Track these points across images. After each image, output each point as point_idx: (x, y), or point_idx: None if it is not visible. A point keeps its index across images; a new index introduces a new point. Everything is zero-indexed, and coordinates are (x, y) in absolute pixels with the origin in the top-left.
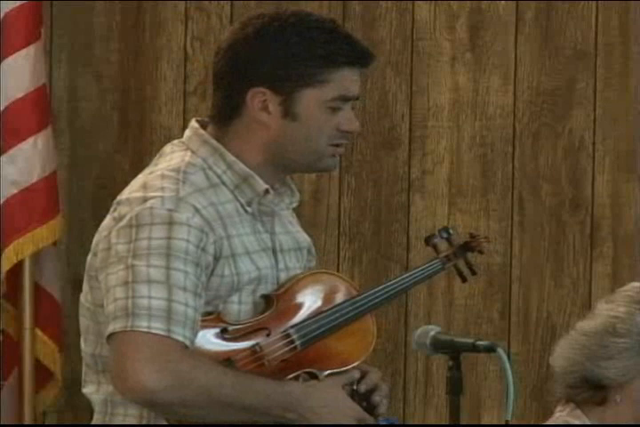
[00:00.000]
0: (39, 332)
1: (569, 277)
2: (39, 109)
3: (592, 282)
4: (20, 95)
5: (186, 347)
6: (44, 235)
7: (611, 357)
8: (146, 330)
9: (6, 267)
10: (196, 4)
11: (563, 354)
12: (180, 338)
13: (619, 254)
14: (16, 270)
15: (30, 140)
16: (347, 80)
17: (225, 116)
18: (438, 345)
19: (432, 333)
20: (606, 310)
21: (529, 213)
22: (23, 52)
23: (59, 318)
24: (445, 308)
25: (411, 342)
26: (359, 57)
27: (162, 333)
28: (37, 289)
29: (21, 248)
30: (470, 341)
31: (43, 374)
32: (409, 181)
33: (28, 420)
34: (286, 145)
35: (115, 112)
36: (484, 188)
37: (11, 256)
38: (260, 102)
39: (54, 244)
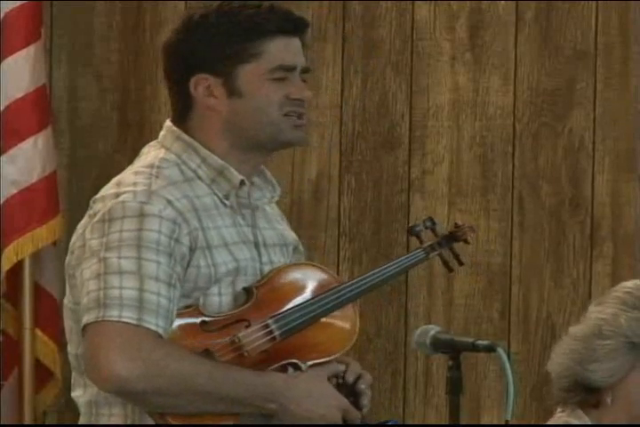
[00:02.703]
0: (39, 332)
1: (569, 277)
2: (39, 109)
3: (592, 282)
4: (19, 95)
5: (159, 336)
6: (43, 235)
7: (597, 359)
8: (117, 319)
9: (6, 267)
10: (196, 4)
11: (556, 360)
12: (153, 327)
13: (619, 254)
14: (16, 270)
15: (30, 140)
16: (280, 50)
17: (181, 112)
18: (438, 345)
19: (432, 332)
20: (595, 312)
21: (529, 213)
22: (23, 52)
23: (59, 318)
24: (445, 308)
25: (411, 342)
26: (288, 24)
27: (133, 322)
28: (37, 289)
29: (21, 248)
30: (470, 340)
31: (43, 374)
32: (409, 181)
33: (28, 420)
34: (241, 123)
35: (115, 112)
36: (484, 188)
37: (11, 256)
38: (205, 88)
39: (54, 244)
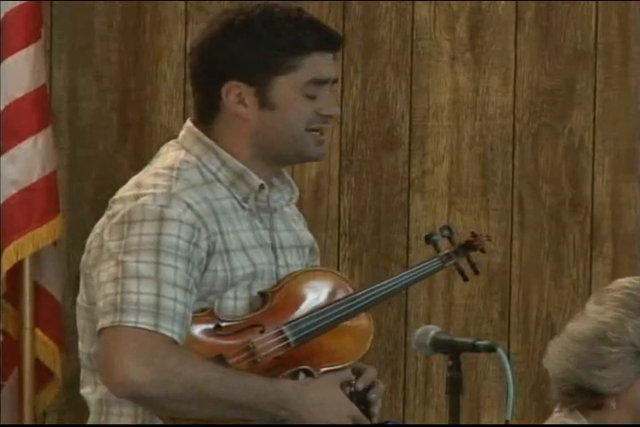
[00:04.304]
0: (39, 332)
1: (569, 278)
2: (39, 109)
3: (592, 282)
4: (19, 95)
5: (174, 342)
6: (43, 235)
7: (605, 366)
8: (133, 325)
9: (6, 267)
10: (196, 4)
11: (554, 360)
12: (168, 333)
13: (619, 254)
14: (16, 270)
15: (30, 140)
16: (317, 64)
17: (206, 115)
18: (438, 345)
19: (432, 333)
20: (595, 313)
21: (529, 213)
22: (23, 52)
23: (59, 318)
24: (445, 308)
25: (411, 342)
26: (326, 41)
27: (149, 328)
28: (37, 289)
29: (21, 248)
30: (470, 341)
31: (43, 374)
32: (409, 180)
33: (28, 420)
34: (269, 135)
35: (115, 112)
36: (483, 187)
37: (11, 256)
38: (236, 96)
39: (54, 244)
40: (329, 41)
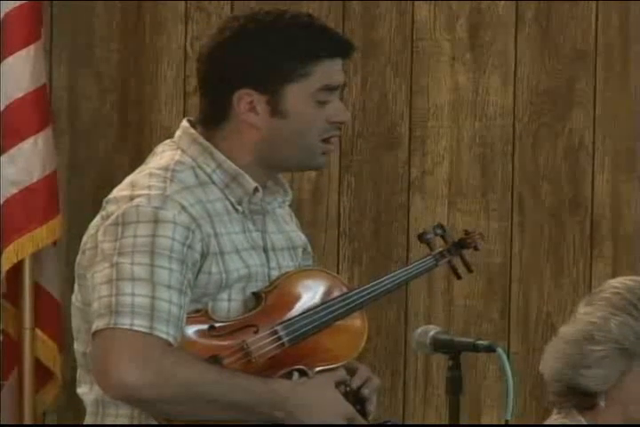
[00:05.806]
0: (39, 332)
1: (569, 278)
2: (39, 109)
3: (592, 282)
4: (19, 95)
5: (169, 344)
6: (43, 235)
7: (590, 365)
8: (128, 327)
9: (6, 267)
10: (196, 4)
11: (547, 363)
12: (164, 335)
13: (619, 254)
14: (16, 270)
15: (30, 140)
16: (329, 71)
17: (213, 119)
18: (438, 345)
19: (432, 332)
20: (585, 314)
21: (529, 213)
22: (23, 52)
23: (59, 318)
24: (445, 308)
25: (410, 342)
26: (338, 49)
27: (144, 330)
28: (37, 289)
29: (21, 248)
30: (470, 340)
31: (43, 374)
32: (409, 181)
33: (28, 420)
34: (278, 143)
35: (115, 112)
36: (483, 188)
37: (11, 256)
38: (247, 104)
39: (54, 244)
40: (340, 47)
